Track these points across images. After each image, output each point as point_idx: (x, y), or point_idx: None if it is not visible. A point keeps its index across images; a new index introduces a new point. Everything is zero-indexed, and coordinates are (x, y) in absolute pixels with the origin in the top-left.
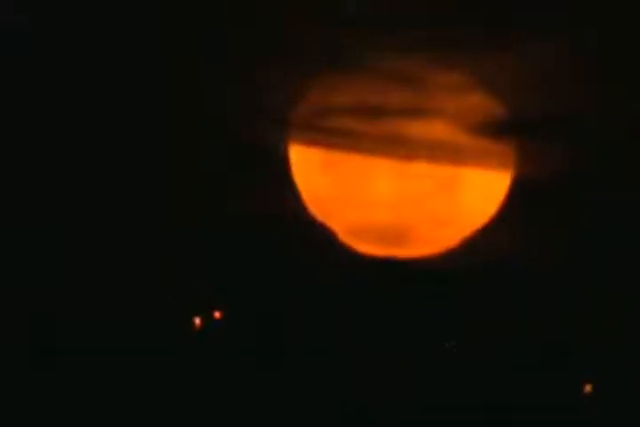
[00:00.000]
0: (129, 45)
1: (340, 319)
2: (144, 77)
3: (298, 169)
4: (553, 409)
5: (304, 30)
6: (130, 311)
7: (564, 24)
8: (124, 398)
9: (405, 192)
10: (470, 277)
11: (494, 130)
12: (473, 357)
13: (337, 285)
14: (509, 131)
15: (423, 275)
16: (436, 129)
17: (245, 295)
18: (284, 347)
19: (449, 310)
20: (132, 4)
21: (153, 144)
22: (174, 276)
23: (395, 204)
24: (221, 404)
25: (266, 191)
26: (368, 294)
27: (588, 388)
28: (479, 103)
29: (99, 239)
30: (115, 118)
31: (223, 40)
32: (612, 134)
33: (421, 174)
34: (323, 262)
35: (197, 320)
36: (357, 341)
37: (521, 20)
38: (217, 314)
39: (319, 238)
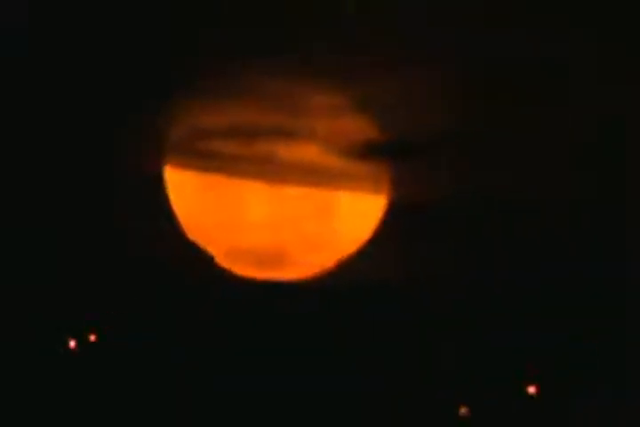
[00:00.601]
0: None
1: (219, 343)
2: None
3: (173, 192)
4: None
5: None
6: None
7: (447, 48)
8: None
9: (280, 215)
10: (345, 299)
11: (368, 152)
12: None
13: (215, 307)
14: (384, 154)
15: (300, 297)
16: (310, 151)
17: (122, 319)
18: (160, 372)
19: (326, 333)
20: None
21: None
22: (47, 298)
23: (270, 227)
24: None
25: (141, 214)
26: (247, 318)
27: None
28: (353, 125)
29: None
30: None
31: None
32: (489, 157)
33: (296, 197)
34: (201, 286)
35: (72, 343)
36: (235, 366)
37: (401, 40)
38: (92, 337)
39: (196, 262)
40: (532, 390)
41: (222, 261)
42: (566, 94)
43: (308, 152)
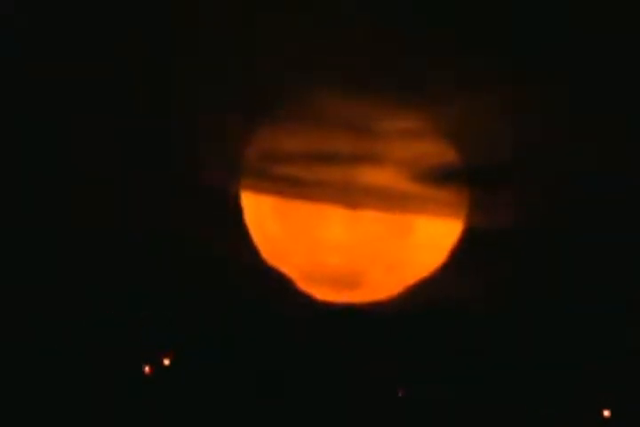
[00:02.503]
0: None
1: (295, 366)
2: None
3: (250, 216)
4: None
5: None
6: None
7: (521, 72)
8: None
9: (357, 238)
10: (419, 324)
11: (445, 178)
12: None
13: (293, 330)
14: (461, 179)
15: (375, 322)
16: (386, 176)
17: (201, 342)
18: (239, 395)
19: (400, 356)
20: None
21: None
22: (129, 320)
23: (347, 250)
24: None
25: (219, 238)
26: (323, 342)
27: None
28: (432, 150)
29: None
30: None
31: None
32: (562, 186)
33: (373, 221)
34: (279, 308)
35: (147, 368)
36: (313, 388)
37: (476, 66)
38: (166, 361)
39: (274, 285)
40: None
41: (299, 283)
42: None
43: (386, 176)
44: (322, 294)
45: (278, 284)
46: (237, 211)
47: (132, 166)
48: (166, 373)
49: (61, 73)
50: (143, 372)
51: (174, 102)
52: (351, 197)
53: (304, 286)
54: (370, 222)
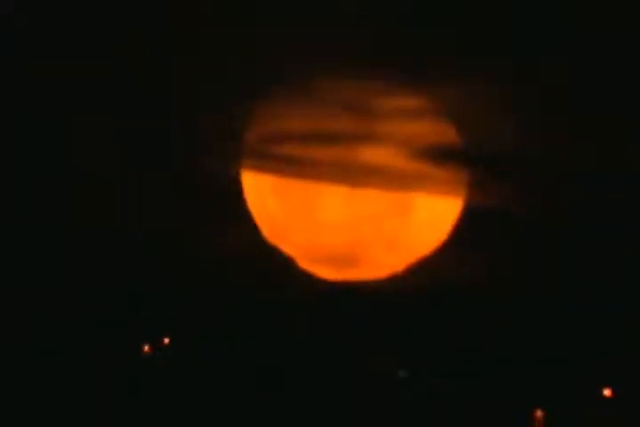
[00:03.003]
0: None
1: (295, 345)
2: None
3: (250, 196)
4: None
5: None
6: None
7: (534, 57)
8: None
9: (357, 217)
10: (420, 301)
11: (445, 157)
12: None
13: (295, 308)
14: (460, 158)
15: (375, 300)
16: (386, 155)
17: (199, 322)
18: (240, 375)
19: (402, 332)
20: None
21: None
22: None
23: (347, 228)
24: None
25: (220, 217)
26: (323, 317)
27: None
28: (430, 129)
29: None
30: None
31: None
32: (564, 170)
33: (373, 199)
34: (280, 287)
35: (146, 347)
36: (311, 367)
37: (488, 47)
38: (166, 340)
39: (275, 264)
40: (607, 392)
41: (300, 262)
42: None
43: (386, 156)
44: (322, 272)
45: (279, 263)
46: (238, 192)
47: (132, 162)
48: (166, 353)
49: (61, 73)
50: (142, 352)
51: (174, 101)
52: (351, 176)
53: (304, 264)
54: (369, 201)
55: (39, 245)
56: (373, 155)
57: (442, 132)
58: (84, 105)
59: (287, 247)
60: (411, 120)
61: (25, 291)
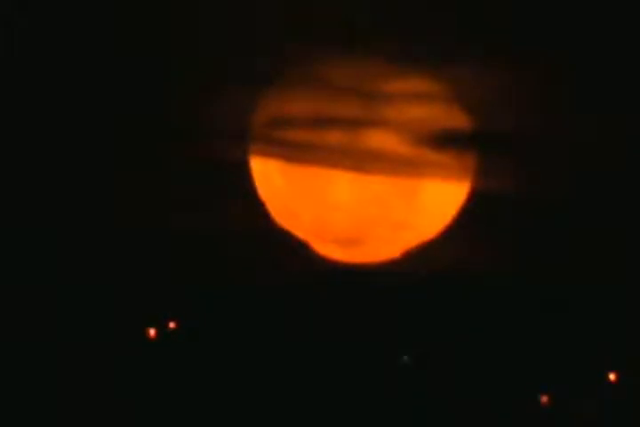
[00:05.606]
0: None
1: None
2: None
3: (258, 179)
4: None
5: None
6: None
7: (540, 43)
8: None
9: (363, 200)
10: (422, 285)
11: (451, 141)
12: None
13: (302, 288)
14: (466, 143)
15: (380, 282)
16: (391, 139)
17: (206, 306)
18: (253, 355)
19: (403, 316)
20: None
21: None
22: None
23: (353, 211)
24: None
25: (229, 202)
26: (328, 299)
27: None
28: (436, 114)
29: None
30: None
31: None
32: (573, 154)
33: (378, 183)
34: (289, 267)
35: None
36: (319, 351)
37: (495, 32)
38: (172, 324)
39: (286, 245)
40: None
41: (311, 243)
42: None
43: (391, 140)
44: (328, 251)
45: (288, 244)
46: (246, 175)
47: (138, 149)
48: (172, 336)
49: (61, 73)
50: (148, 335)
51: (179, 87)
52: (357, 160)
53: (314, 245)
54: (375, 185)
55: (37, 244)
56: (379, 139)
57: (448, 116)
58: (82, 105)
59: (294, 228)
60: (417, 104)
61: (25, 274)
